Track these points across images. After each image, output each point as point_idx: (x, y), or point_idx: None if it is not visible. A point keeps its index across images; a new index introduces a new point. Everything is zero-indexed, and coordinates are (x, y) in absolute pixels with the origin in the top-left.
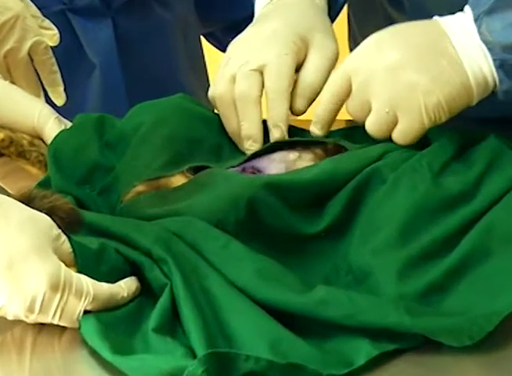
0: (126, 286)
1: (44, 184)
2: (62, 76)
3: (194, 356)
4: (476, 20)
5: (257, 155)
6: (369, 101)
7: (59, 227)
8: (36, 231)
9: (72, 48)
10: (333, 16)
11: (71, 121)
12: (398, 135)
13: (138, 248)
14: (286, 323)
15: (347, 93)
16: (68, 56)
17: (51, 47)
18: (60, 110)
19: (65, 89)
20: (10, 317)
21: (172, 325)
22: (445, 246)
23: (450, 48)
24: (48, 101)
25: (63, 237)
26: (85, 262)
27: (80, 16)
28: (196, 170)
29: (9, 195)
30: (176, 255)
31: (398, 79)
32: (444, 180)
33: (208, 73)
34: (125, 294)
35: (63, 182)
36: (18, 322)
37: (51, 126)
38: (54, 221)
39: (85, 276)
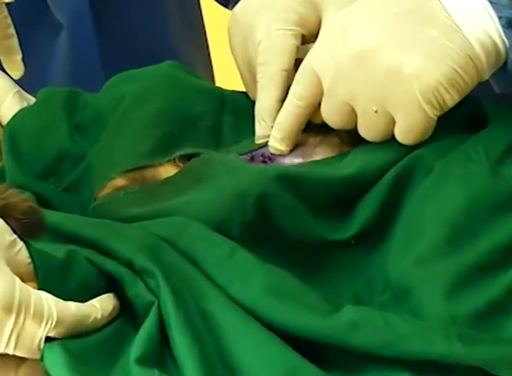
0: (100, 305)
1: None
2: (19, 41)
3: None
4: None
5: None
6: (347, 102)
7: (14, 232)
8: None
9: (32, 5)
10: None
11: (35, 97)
12: (401, 135)
13: (117, 258)
14: (305, 352)
15: (319, 95)
16: (27, 14)
17: (6, 4)
18: (18, 84)
19: (24, 58)
20: None
21: (160, 354)
22: (506, 255)
23: (440, 12)
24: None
25: (19, 244)
26: (48, 276)
27: None
28: (190, 157)
29: None
30: (166, 267)
31: (376, 66)
32: (505, 171)
33: (208, 38)
34: (99, 316)
35: (21, 174)
36: None
37: (8, 103)
38: (7, 223)
39: (47, 294)
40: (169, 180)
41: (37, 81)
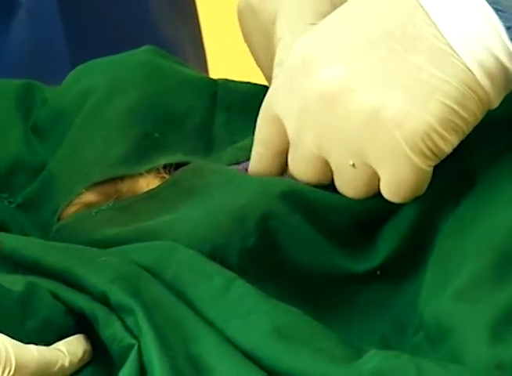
0: (68, 349)
1: None
2: None
3: None
4: None
5: None
6: (317, 154)
7: None
8: None
9: None
10: None
11: None
12: (388, 193)
13: (88, 291)
14: None
15: (286, 141)
16: None
17: None
18: None
19: None
20: None
21: None
22: None
23: (427, 30)
24: None
25: None
26: (4, 314)
27: None
28: (178, 166)
29: None
30: (148, 302)
31: (347, 110)
32: None
33: (200, 20)
34: (67, 363)
35: None
36: None
37: None
38: None
39: (4, 336)
40: (151, 194)
41: None
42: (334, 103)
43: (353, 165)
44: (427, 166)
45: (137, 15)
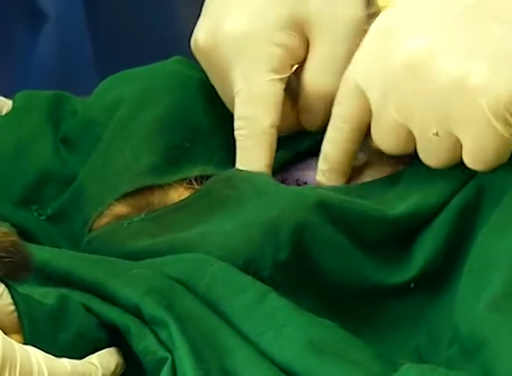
0: (100, 363)
1: None
2: None
3: None
4: None
5: (301, 155)
6: (401, 123)
7: None
8: None
9: None
10: None
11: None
12: (471, 161)
13: (121, 304)
14: None
15: (367, 115)
16: (3, 2)
17: None
18: None
19: None
20: None
21: None
22: None
23: (503, 2)
24: None
25: (1, 289)
26: (36, 327)
27: None
28: (208, 176)
29: None
30: (181, 315)
31: (433, 79)
32: None
33: None
34: None
35: None
36: None
37: None
38: None
39: (36, 350)
40: (183, 204)
41: (14, 83)
42: (419, 71)
43: (436, 134)
44: (508, 134)
45: (162, 27)
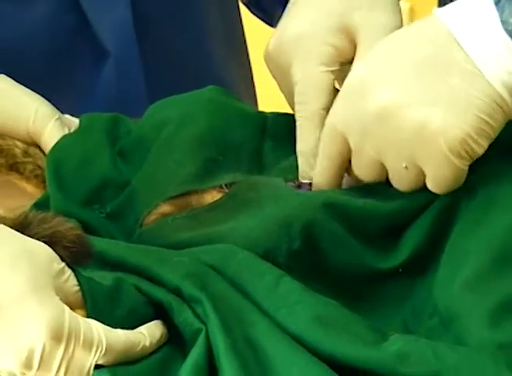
0: (148, 333)
1: (42, 204)
2: (65, 66)
3: None
4: (497, 3)
5: None
6: (376, 159)
7: (62, 259)
8: (32, 266)
9: (79, 33)
10: None
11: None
12: (433, 187)
13: (164, 285)
14: None
15: (347, 152)
16: (74, 40)
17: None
18: (63, 109)
19: (68, 82)
20: (4, 374)
21: None
22: None
23: (459, 57)
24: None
25: (68, 273)
26: (96, 304)
27: None
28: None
29: None
30: (213, 295)
31: (401, 124)
32: None
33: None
34: (147, 344)
35: (65, 201)
36: None
37: (50, 130)
38: (56, 251)
39: (96, 322)
40: (215, 205)
41: (81, 106)
42: (389, 118)
43: (405, 167)
44: (463, 166)
45: (203, 60)
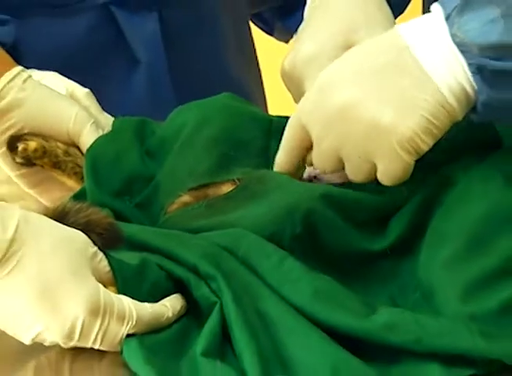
0: (170, 305)
1: (79, 196)
2: (100, 73)
3: None
4: (447, 19)
5: None
6: (335, 151)
7: (95, 244)
8: (71, 251)
9: (113, 43)
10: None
11: None
12: (382, 177)
13: (184, 264)
14: (349, 347)
15: (307, 144)
16: (108, 50)
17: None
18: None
19: (102, 88)
20: (47, 344)
21: (222, 348)
22: None
23: (412, 63)
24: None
25: (100, 255)
26: (126, 282)
27: (124, 10)
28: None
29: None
30: (226, 272)
31: (358, 121)
32: None
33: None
34: (170, 314)
35: (99, 193)
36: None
37: (87, 132)
38: (90, 237)
39: (127, 297)
40: (228, 196)
41: (115, 110)
42: (348, 114)
43: (359, 158)
44: (410, 160)
45: (220, 68)
